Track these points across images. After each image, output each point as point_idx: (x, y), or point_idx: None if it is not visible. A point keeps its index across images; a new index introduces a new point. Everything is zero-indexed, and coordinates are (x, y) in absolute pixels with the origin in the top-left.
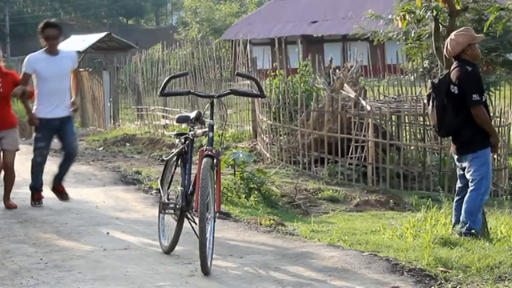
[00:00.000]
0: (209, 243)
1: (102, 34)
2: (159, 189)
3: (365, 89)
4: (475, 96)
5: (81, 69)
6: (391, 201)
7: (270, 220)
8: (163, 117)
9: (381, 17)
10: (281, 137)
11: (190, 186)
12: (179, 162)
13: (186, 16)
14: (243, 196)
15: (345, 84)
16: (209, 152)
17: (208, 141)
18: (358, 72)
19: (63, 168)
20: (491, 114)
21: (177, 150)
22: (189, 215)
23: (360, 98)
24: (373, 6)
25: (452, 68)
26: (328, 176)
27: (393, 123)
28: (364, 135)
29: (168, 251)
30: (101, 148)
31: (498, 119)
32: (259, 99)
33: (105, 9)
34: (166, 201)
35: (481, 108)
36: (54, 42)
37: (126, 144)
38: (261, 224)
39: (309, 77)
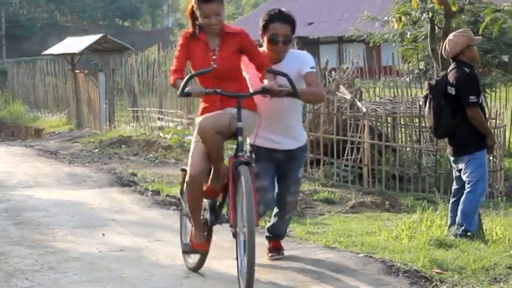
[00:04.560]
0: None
1: (98, 36)
2: (179, 200)
3: (361, 90)
4: (472, 98)
5: (76, 71)
6: (386, 202)
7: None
8: (158, 119)
9: (376, 19)
10: None
11: (220, 197)
12: None
13: (182, 18)
14: None
15: (341, 86)
16: (243, 159)
17: (238, 146)
18: (354, 73)
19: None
20: (487, 115)
21: None
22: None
23: (356, 100)
24: (368, 8)
25: (449, 69)
26: (323, 178)
27: (389, 125)
28: (360, 137)
29: (195, 268)
30: (97, 150)
31: (494, 121)
32: None
33: (101, 11)
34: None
35: (477, 110)
36: None
37: (122, 146)
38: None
39: None
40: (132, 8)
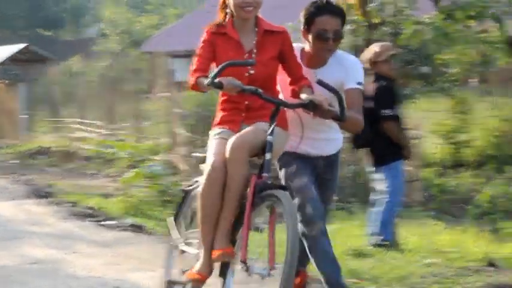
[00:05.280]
0: None
1: (20, 46)
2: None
3: None
4: (386, 112)
5: None
6: None
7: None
8: (79, 129)
9: (298, 30)
10: (198, 150)
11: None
12: None
13: (105, 28)
14: (158, 209)
15: None
16: (266, 180)
17: (264, 164)
18: None
19: None
20: (406, 126)
21: None
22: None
23: None
24: (290, 18)
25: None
26: None
27: None
28: None
29: None
30: (15, 161)
31: (412, 131)
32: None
33: (24, 20)
34: (194, 251)
35: (391, 123)
36: None
37: (41, 156)
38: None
39: None
40: (55, 17)
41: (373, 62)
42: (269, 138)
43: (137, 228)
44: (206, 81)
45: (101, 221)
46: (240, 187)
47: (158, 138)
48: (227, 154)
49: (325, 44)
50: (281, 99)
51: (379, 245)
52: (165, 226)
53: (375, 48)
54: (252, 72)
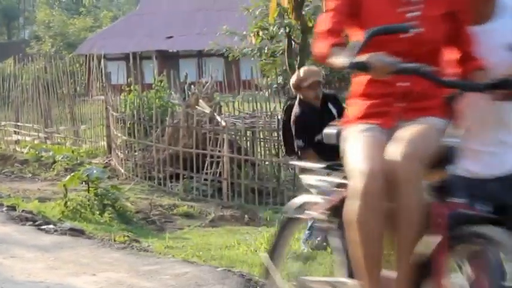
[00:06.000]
0: None
1: None
2: (266, 269)
3: (220, 104)
4: (298, 142)
5: None
6: (246, 216)
7: (124, 236)
8: (15, 132)
9: (235, 33)
10: (136, 153)
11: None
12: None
13: (38, 30)
14: (97, 212)
15: (200, 100)
16: (464, 209)
17: (449, 183)
18: (213, 87)
19: None
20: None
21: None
22: None
23: (215, 114)
24: (228, 22)
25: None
26: (183, 192)
27: (248, 139)
28: (219, 151)
29: None
30: None
31: None
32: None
33: None
34: None
35: (305, 153)
36: None
37: None
38: (115, 240)
39: (164, 92)
40: None
41: (297, 87)
42: (452, 142)
43: (76, 232)
44: (344, 59)
45: (40, 225)
46: (419, 217)
47: (96, 142)
48: (397, 167)
49: None
50: (465, 80)
51: (318, 248)
52: (103, 230)
53: (300, 72)
54: (414, 31)
